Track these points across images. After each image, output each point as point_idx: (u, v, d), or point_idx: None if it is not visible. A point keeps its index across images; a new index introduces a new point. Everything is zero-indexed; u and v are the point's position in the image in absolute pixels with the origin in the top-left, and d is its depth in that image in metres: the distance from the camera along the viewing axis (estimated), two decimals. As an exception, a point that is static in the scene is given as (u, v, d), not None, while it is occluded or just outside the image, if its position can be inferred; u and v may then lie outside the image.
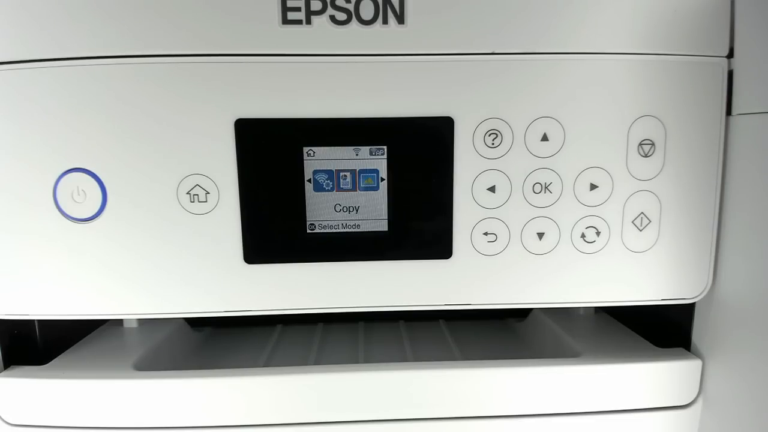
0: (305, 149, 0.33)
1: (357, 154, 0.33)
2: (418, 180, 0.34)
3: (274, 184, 0.33)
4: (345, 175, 0.33)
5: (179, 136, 0.32)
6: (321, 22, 0.32)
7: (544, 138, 0.33)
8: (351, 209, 0.34)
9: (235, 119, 0.32)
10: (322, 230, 0.34)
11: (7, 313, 0.34)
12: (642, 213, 0.35)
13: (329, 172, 0.33)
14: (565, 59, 0.33)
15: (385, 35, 0.32)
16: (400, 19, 0.32)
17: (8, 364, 0.37)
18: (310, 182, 0.33)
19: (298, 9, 0.31)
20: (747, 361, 0.34)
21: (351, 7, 0.32)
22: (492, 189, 0.34)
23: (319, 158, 0.33)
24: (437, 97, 0.33)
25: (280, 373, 0.36)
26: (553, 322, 0.46)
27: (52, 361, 0.38)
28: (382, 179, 0.34)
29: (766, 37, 0.31)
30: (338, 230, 0.34)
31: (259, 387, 0.35)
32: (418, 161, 0.33)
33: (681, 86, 0.33)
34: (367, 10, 0.32)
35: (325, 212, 0.34)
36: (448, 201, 0.34)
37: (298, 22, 0.32)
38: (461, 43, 0.32)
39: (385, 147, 0.33)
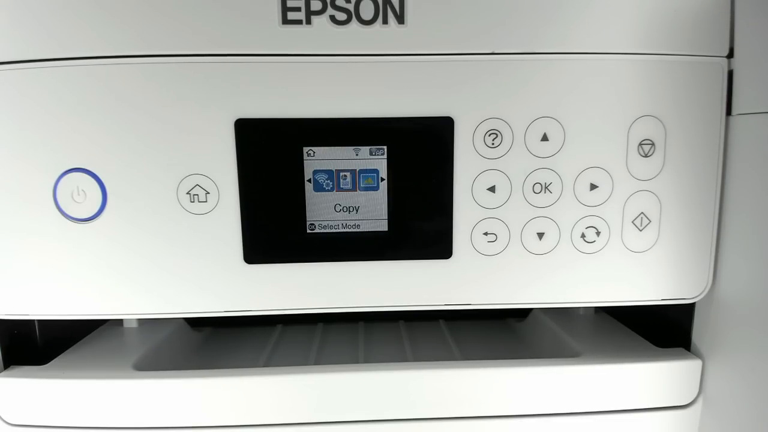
0: (305, 149, 0.33)
1: (357, 154, 0.33)
2: (418, 180, 0.34)
3: (274, 184, 0.33)
4: (345, 175, 0.33)
5: (179, 136, 0.32)
6: (321, 22, 0.32)
7: (544, 138, 0.33)
8: (351, 209, 0.34)
9: (235, 119, 0.32)
10: (322, 230, 0.34)
11: (7, 313, 0.34)
12: (642, 213, 0.35)
13: (329, 172, 0.33)
14: (565, 59, 0.33)
15: (385, 35, 0.32)
16: (400, 19, 0.32)
17: (8, 364, 0.37)
18: (310, 182, 0.33)
19: (298, 9, 0.31)
20: (747, 361, 0.34)
21: (351, 7, 0.32)
22: (492, 189, 0.34)
23: (319, 158, 0.33)
24: (437, 97, 0.33)
25: (280, 373, 0.36)
26: (553, 322, 0.46)
27: (52, 361, 0.38)
28: (382, 179, 0.34)
29: (766, 37, 0.31)
30: (338, 230, 0.34)
31: (259, 387, 0.35)
32: (418, 161, 0.33)
33: (681, 86, 0.33)
34: (367, 10, 0.32)
35: (325, 212, 0.34)
36: (448, 201, 0.34)
37: (298, 22, 0.32)
38: (461, 43, 0.32)
39: (385, 147, 0.33)
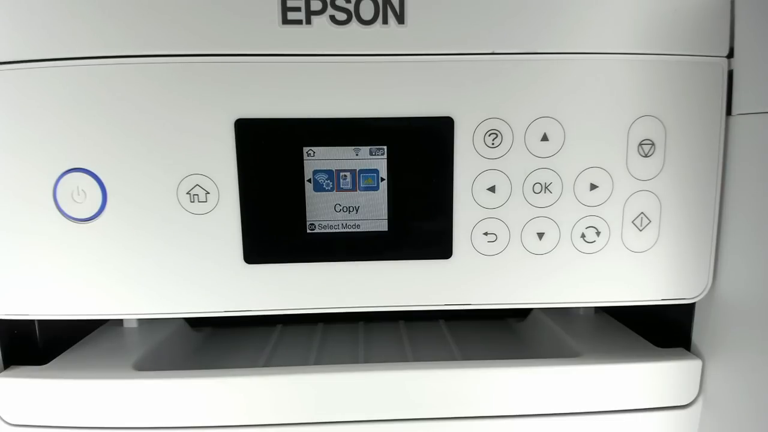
0: (305, 149, 0.33)
1: (357, 154, 0.33)
2: (418, 180, 0.34)
3: (274, 184, 0.33)
4: (345, 175, 0.33)
5: (179, 136, 0.32)
6: (321, 22, 0.32)
7: (544, 138, 0.33)
8: (351, 209, 0.34)
9: (235, 119, 0.32)
10: (322, 230, 0.34)
11: (7, 313, 0.34)
12: (642, 213, 0.35)
13: (329, 172, 0.33)
14: (565, 59, 0.33)
15: (385, 35, 0.32)
16: (400, 19, 0.32)
17: (8, 364, 0.37)
18: (310, 182, 0.33)
19: (298, 9, 0.31)
20: (747, 361, 0.34)
21: (351, 7, 0.32)
22: (492, 189, 0.34)
23: (319, 158, 0.33)
24: (437, 97, 0.33)
25: (280, 373, 0.36)
26: (553, 322, 0.46)
27: (52, 361, 0.38)
28: (382, 179, 0.34)
29: (766, 37, 0.31)
30: (338, 230, 0.34)
31: (259, 387, 0.35)
32: (418, 161, 0.33)
33: (681, 86, 0.33)
34: (367, 10, 0.32)
35: (325, 212, 0.34)
36: (448, 201, 0.34)
37: (298, 22, 0.32)
38: (461, 43, 0.32)
39: (385, 147, 0.33)
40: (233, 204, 0.33)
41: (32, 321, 0.40)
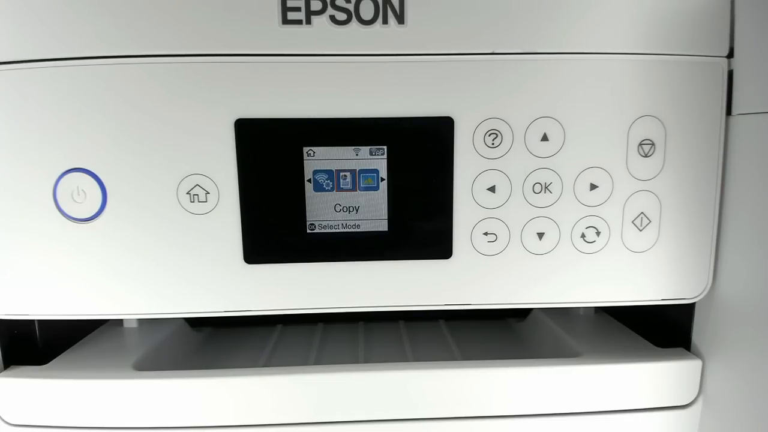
0: (305, 149, 0.33)
1: (357, 154, 0.33)
2: (418, 180, 0.34)
3: (274, 184, 0.33)
4: (345, 175, 0.33)
5: (179, 136, 0.32)
6: (321, 22, 0.32)
7: (544, 138, 0.33)
8: (351, 209, 0.34)
9: (235, 119, 0.32)
10: (322, 230, 0.34)
11: (7, 313, 0.34)
12: (642, 213, 0.35)
13: (329, 172, 0.33)
14: (565, 59, 0.33)
15: (385, 35, 0.32)
16: (400, 19, 0.32)
17: (8, 364, 0.37)
18: (310, 182, 0.33)
19: (298, 9, 0.31)
20: (747, 361, 0.34)
21: (351, 7, 0.32)
22: (492, 189, 0.34)
23: (319, 158, 0.33)
24: (437, 97, 0.33)
25: (280, 373, 0.36)
26: (553, 322, 0.46)
27: (52, 361, 0.39)
28: (382, 179, 0.34)
29: (766, 37, 0.31)
30: (338, 230, 0.34)
31: (259, 387, 0.35)
32: (418, 161, 0.33)
33: (681, 86, 0.33)
34: (367, 10, 0.32)
35: (325, 212, 0.34)
36: (448, 201, 0.34)
37: (298, 22, 0.32)
38: (461, 43, 0.32)
39: (385, 147, 0.33)
40: (233, 204, 0.33)
41: (32, 321, 0.40)
